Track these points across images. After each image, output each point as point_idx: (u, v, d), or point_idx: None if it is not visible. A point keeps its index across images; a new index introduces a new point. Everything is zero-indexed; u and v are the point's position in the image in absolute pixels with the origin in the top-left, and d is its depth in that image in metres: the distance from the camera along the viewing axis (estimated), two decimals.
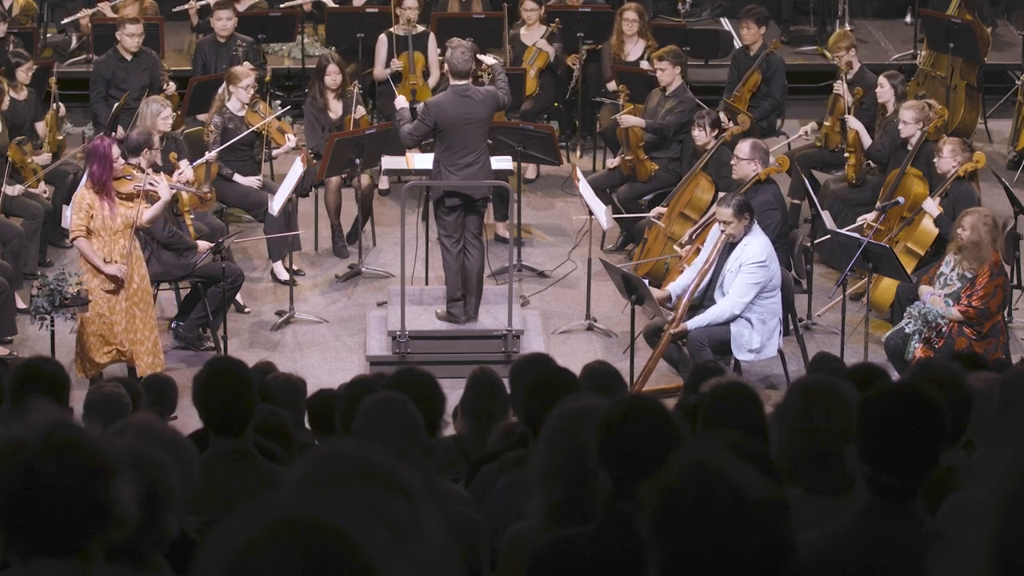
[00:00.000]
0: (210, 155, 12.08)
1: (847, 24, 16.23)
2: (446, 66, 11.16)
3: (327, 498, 2.53)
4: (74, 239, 10.47)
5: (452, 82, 10.94)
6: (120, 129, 12.68)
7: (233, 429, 5.33)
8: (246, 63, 13.30)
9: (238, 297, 11.78)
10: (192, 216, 11.49)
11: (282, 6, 15.21)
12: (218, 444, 5.35)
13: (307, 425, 8.15)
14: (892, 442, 3.79)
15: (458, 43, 11.08)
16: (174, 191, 10.76)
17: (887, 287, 11.23)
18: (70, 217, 10.61)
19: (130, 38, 13.42)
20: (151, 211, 10.49)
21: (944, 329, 10.26)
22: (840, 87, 13.05)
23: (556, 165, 13.13)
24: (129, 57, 13.48)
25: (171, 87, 13.57)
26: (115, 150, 10.42)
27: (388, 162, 12.30)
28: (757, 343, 10.45)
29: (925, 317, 10.22)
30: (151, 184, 10.50)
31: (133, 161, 10.87)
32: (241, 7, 14.53)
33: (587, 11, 14.47)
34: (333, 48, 14.30)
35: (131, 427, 4.28)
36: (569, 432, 4.36)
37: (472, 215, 11.07)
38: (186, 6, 14.86)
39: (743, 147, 11.49)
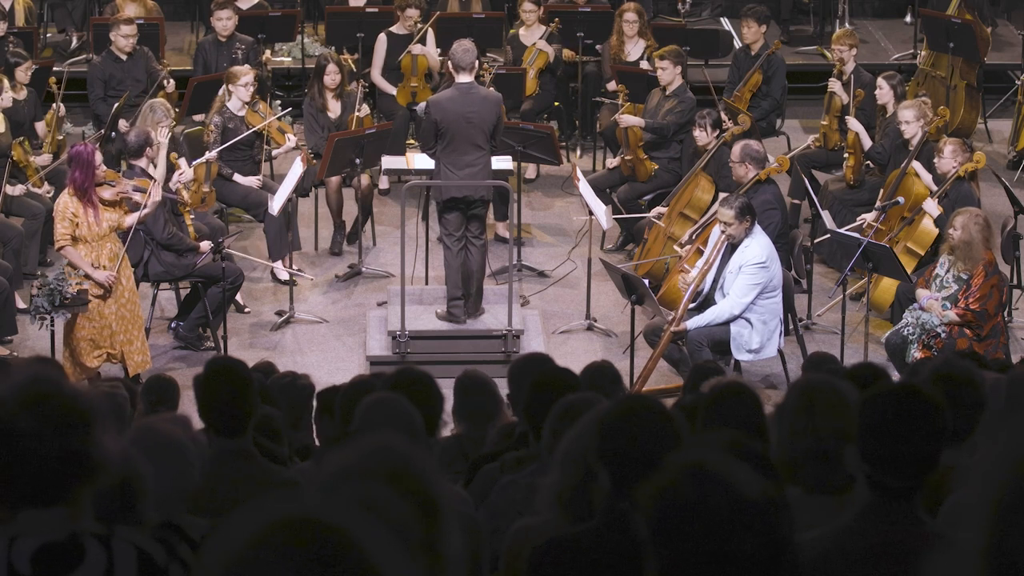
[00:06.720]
0: (210, 155, 12.07)
1: (847, 24, 16.23)
2: (448, 64, 11.13)
3: (331, 498, 2.53)
4: (60, 248, 10.34)
5: (456, 79, 10.91)
6: (122, 122, 12.70)
7: (233, 429, 5.33)
8: (264, 55, 13.34)
9: (238, 297, 11.77)
10: (192, 216, 11.49)
11: None
12: (218, 444, 5.35)
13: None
14: (892, 442, 3.79)
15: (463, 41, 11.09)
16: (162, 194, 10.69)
17: (887, 287, 11.22)
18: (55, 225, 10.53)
19: (124, 39, 13.40)
20: (135, 216, 10.43)
21: (943, 334, 10.26)
22: (835, 85, 13.05)
23: (556, 165, 13.12)
24: (124, 57, 13.48)
25: (171, 84, 13.56)
26: (98, 156, 10.32)
27: (388, 162, 12.30)
28: (756, 343, 10.44)
29: (923, 326, 10.23)
30: (136, 190, 10.43)
31: (135, 163, 10.85)
32: (243, 5, 14.52)
33: (587, 11, 14.47)
34: (332, 48, 14.30)
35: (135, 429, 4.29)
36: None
37: (474, 214, 11.06)
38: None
39: (734, 151, 11.50)
